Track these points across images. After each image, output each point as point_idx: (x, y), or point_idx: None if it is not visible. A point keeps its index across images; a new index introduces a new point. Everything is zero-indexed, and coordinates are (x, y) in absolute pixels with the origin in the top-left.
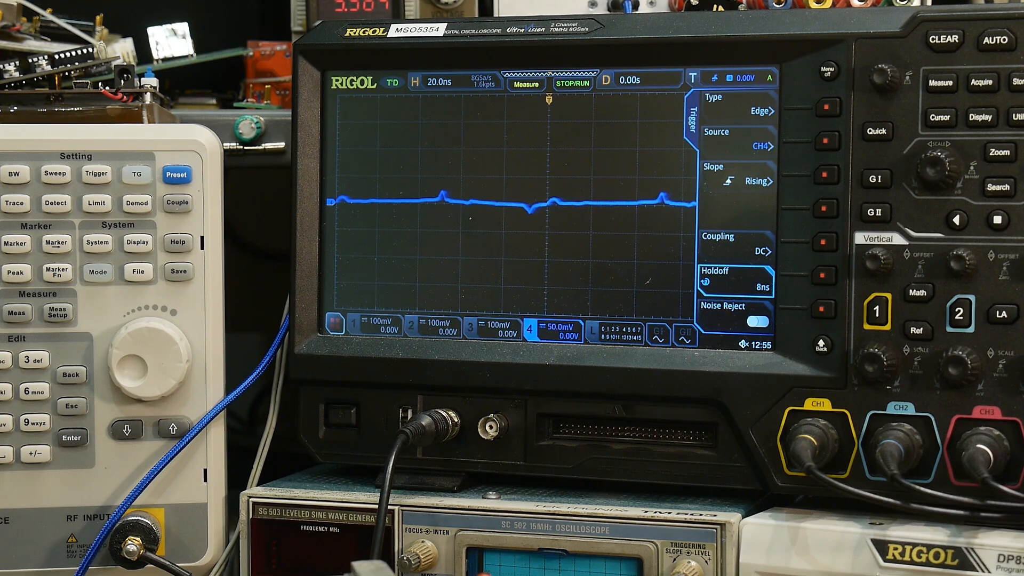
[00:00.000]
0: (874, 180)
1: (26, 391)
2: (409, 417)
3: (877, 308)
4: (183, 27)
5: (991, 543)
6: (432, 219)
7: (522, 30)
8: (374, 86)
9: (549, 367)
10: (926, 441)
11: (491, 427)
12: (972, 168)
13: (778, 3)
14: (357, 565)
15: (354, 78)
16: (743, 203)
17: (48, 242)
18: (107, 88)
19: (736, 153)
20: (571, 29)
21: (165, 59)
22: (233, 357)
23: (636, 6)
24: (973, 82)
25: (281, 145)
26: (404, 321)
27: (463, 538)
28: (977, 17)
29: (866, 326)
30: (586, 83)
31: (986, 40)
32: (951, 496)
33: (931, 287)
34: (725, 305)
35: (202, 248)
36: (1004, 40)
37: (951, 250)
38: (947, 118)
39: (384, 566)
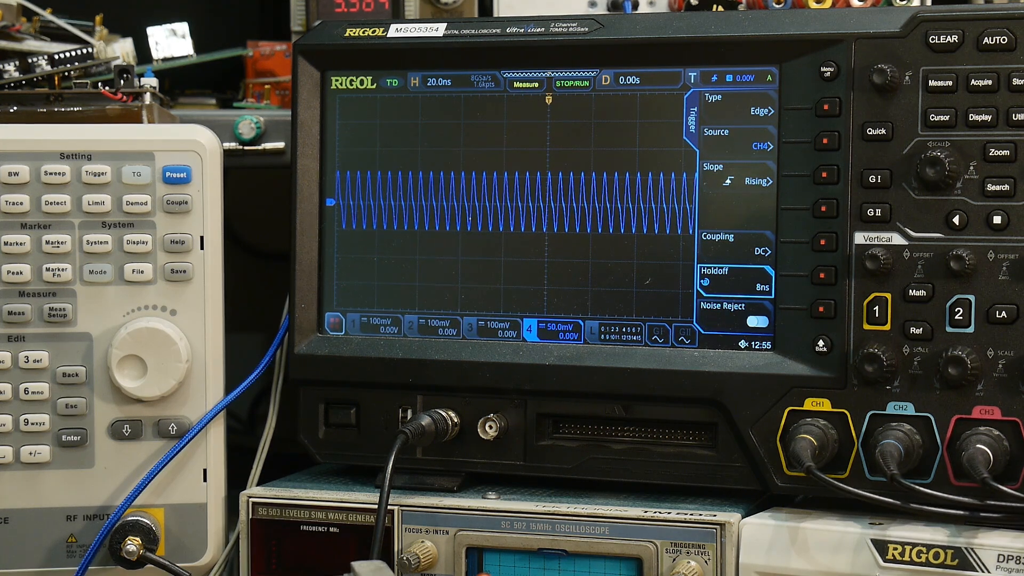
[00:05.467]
0: (874, 180)
1: (26, 391)
2: (409, 417)
3: (877, 308)
4: (183, 27)
5: (991, 543)
6: (432, 219)
7: (522, 30)
8: (374, 86)
9: (549, 367)
10: (926, 441)
11: (491, 427)
12: (972, 168)
13: (778, 3)
14: (357, 565)
15: (354, 78)
16: (743, 203)
17: (48, 242)
18: (107, 88)
19: (736, 153)
20: (571, 29)
21: (165, 59)
22: (233, 357)
23: (636, 6)
24: (973, 82)
25: (281, 145)
26: (404, 321)
27: (463, 538)
28: (977, 17)
29: (866, 326)
30: (586, 83)
31: (986, 40)
32: (951, 496)
33: (931, 287)
34: (725, 305)
35: (202, 248)
36: (1004, 40)
37: (951, 250)
38: (947, 118)
39: (384, 566)
